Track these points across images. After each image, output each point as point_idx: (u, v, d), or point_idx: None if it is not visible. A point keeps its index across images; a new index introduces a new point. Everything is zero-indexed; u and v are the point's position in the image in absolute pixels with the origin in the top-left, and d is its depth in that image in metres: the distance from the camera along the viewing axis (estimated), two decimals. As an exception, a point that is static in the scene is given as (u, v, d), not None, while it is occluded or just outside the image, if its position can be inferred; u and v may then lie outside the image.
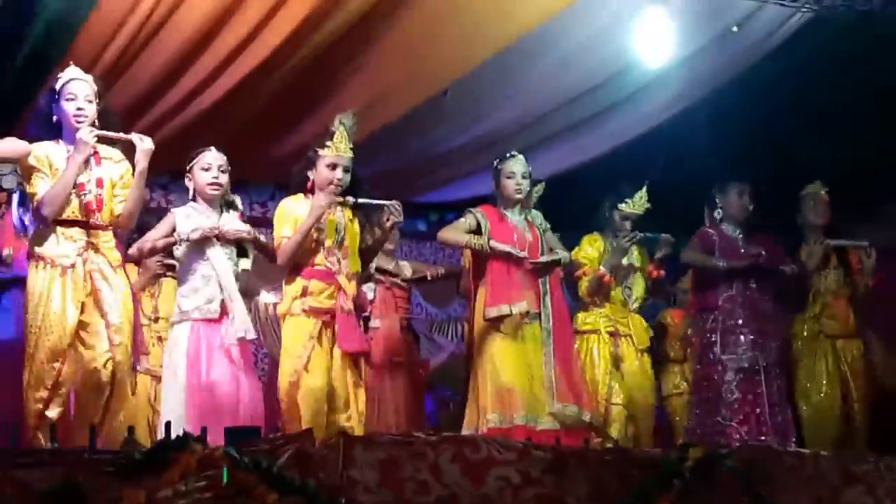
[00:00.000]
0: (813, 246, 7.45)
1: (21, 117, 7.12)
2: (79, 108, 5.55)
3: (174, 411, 5.64)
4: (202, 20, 6.78)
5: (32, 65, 6.98)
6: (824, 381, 7.39)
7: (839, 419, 7.37)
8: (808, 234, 7.51)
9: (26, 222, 6.88)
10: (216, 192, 5.96)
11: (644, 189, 7.02)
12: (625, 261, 7.07)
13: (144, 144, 5.57)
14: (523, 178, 6.49)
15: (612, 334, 7.00)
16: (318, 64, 7.28)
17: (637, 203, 7.04)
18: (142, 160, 5.57)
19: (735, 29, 7.24)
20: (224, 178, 5.97)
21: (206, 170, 5.93)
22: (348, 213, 6.12)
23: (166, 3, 6.58)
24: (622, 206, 7.04)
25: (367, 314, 6.83)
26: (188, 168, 6.01)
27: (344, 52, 7.21)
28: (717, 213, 7.28)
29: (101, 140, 5.60)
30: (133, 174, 5.64)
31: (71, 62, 5.84)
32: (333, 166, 5.97)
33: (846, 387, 7.40)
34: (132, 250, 6.01)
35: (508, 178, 6.50)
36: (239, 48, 7.07)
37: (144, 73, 7.26)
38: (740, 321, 7.10)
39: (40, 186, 5.49)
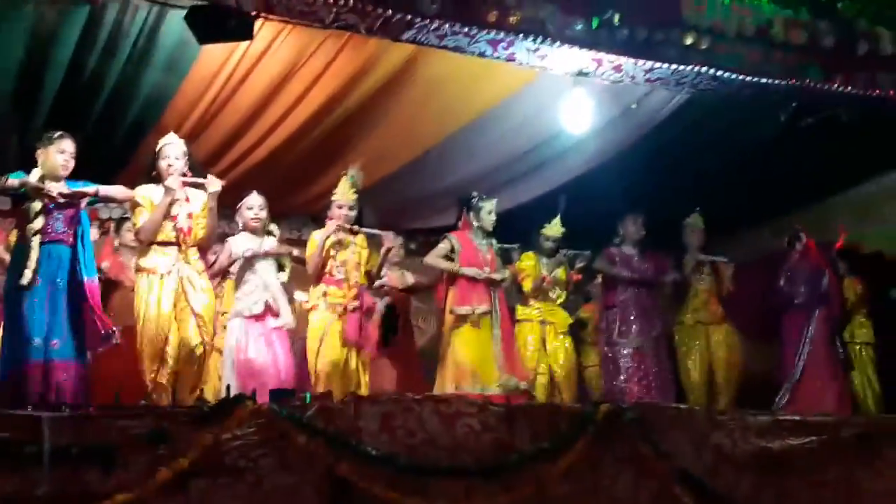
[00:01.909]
0: (685, 260, 7.49)
1: (126, 168, 7.08)
2: (169, 164, 5.54)
3: (229, 379, 5.63)
4: (257, 96, 6.74)
5: (133, 130, 6.94)
6: (696, 360, 7.38)
7: (709, 384, 7.37)
8: (689, 250, 7.53)
9: (118, 244, 6.84)
10: (257, 225, 6.04)
11: (558, 218, 7.12)
12: (557, 274, 7.09)
13: (213, 188, 5.56)
14: (494, 214, 6.57)
15: (541, 322, 7.01)
16: (339, 129, 7.23)
17: (553, 228, 7.10)
18: (211, 200, 5.56)
19: (634, 106, 7.20)
20: (263, 214, 6.02)
21: (250, 209, 5.99)
22: (358, 238, 6.16)
23: (231, 85, 6.54)
24: (543, 230, 7.09)
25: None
26: (238, 207, 6.05)
27: (356, 122, 7.16)
28: (620, 237, 7.36)
29: (187, 185, 5.60)
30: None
31: (164, 129, 5.89)
32: (341, 206, 6.02)
33: (715, 360, 7.40)
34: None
35: (487, 213, 6.55)
36: (283, 116, 7.02)
37: (216, 134, 7.19)
38: (632, 315, 7.15)
39: (140, 218, 5.48)
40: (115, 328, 5.26)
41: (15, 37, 5.83)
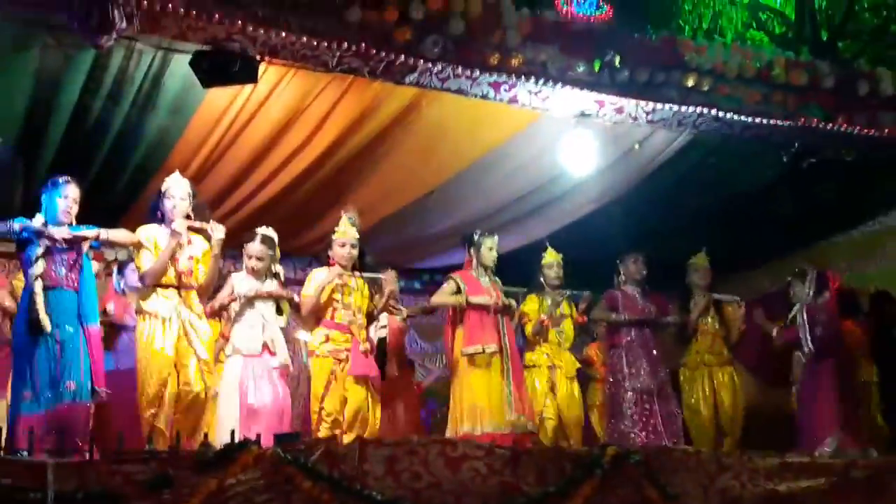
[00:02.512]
0: (698, 298, 7.47)
1: (131, 211, 7.09)
2: (174, 205, 5.57)
3: (229, 416, 5.58)
4: (262, 139, 6.75)
5: (139, 173, 6.96)
6: (701, 402, 7.34)
7: (714, 426, 7.32)
8: (694, 290, 7.52)
9: (122, 286, 6.82)
10: (256, 273, 5.99)
11: (548, 248, 7.15)
12: (557, 311, 7.08)
13: (217, 234, 5.59)
14: (495, 251, 6.57)
15: (549, 367, 6.98)
16: (343, 171, 7.24)
17: (550, 254, 7.17)
18: (215, 246, 5.58)
19: (637, 147, 7.20)
20: (259, 265, 5.96)
21: (250, 258, 5.97)
22: (359, 281, 6.15)
23: (235, 127, 6.55)
24: (543, 260, 7.18)
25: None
26: (242, 249, 6.05)
27: (361, 163, 7.17)
28: (622, 278, 7.34)
29: (191, 229, 5.61)
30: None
31: (169, 171, 5.90)
32: (342, 244, 6.02)
33: (720, 402, 7.36)
34: (206, 309, 5.98)
35: (488, 249, 6.54)
36: (288, 158, 7.03)
37: (221, 176, 7.20)
38: (637, 356, 7.12)
39: (144, 261, 5.50)
40: (103, 389, 5.23)
41: (20, 82, 5.85)
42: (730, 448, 6.88)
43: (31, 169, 6.42)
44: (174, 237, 5.50)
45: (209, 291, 5.85)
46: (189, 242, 5.63)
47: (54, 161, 6.55)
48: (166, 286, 5.53)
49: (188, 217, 5.63)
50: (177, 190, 5.67)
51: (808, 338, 7.20)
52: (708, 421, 7.29)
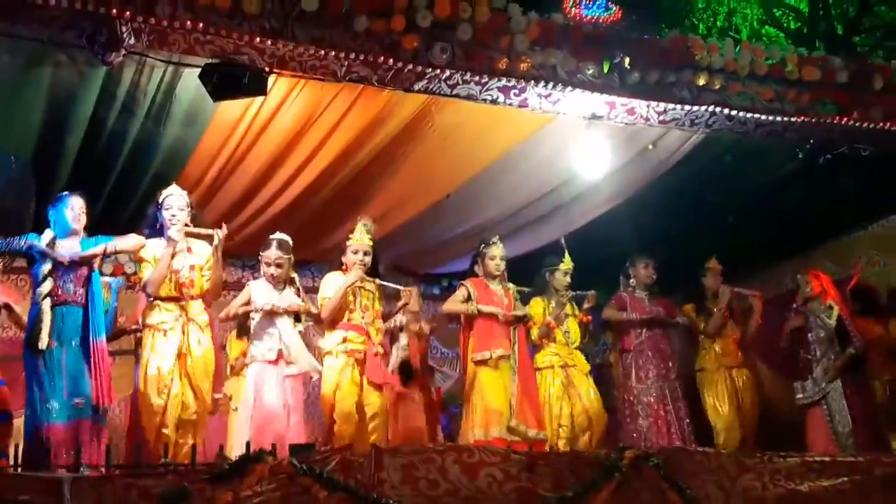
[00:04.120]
0: (721, 291, 7.42)
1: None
2: (172, 215, 5.59)
3: (243, 424, 5.60)
4: (275, 149, 6.77)
5: (155, 184, 6.95)
6: (725, 401, 7.31)
7: (738, 427, 7.27)
8: (709, 293, 7.49)
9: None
10: (274, 280, 5.99)
11: (566, 254, 7.04)
12: (561, 312, 7.03)
13: (218, 234, 5.61)
14: (501, 259, 6.51)
15: (562, 367, 6.93)
16: (356, 179, 7.25)
17: (567, 263, 7.04)
18: (216, 251, 5.61)
19: (651, 147, 7.15)
20: (277, 271, 5.96)
21: (268, 265, 5.96)
22: (374, 285, 6.16)
23: (248, 138, 6.58)
24: (561, 265, 7.04)
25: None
26: (259, 256, 6.05)
27: (374, 171, 7.18)
28: (631, 281, 7.32)
29: (191, 235, 5.63)
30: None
31: (185, 181, 5.93)
32: (356, 251, 6.01)
33: (739, 403, 7.32)
34: (222, 314, 6.01)
35: (490, 259, 6.51)
36: (301, 167, 7.05)
37: (236, 186, 7.24)
38: (648, 359, 7.10)
39: (146, 272, 5.53)
40: (106, 405, 5.27)
41: (33, 99, 5.90)
42: (751, 447, 6.81)
43: (48, 185, 6.45)
44: (170, 244, 5.55)
45: (217, 295, 5.90)
46: (189, 251, 5.66)
47: (71, 175, 6.60)
48: (167, 299, 5.56)
49: (186, 226, 5.66)
50: (175, 200, 5.73)
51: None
52: (732, 420, 7.26)
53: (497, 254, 6.54)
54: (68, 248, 5.35)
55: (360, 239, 6.19)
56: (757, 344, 7.73)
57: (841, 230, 8.68)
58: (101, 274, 5.79)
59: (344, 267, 6.18)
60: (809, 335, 7.36)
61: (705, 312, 7.53)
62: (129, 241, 5.63)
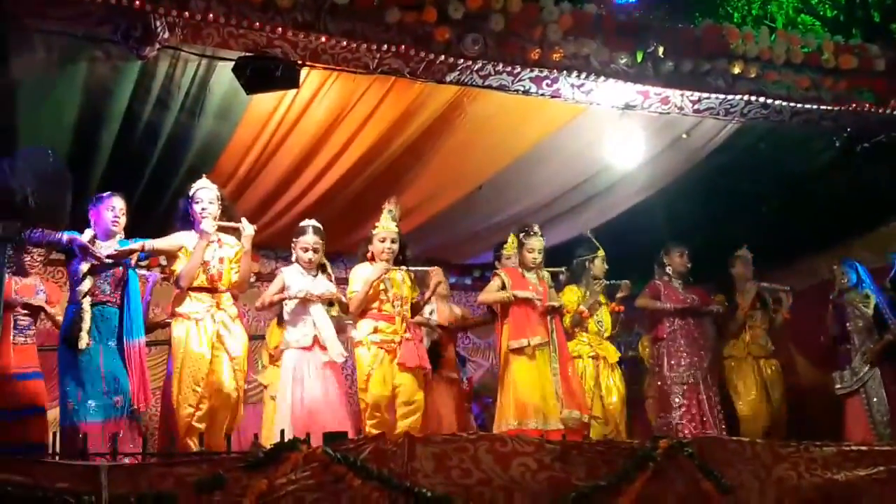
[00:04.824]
0: (747, 288, 7.39)
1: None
2: (203, 209, 5.64)
3: (285, 413, 5.62)
4: (308, 140, 6.82)
5: (190, 176, 7.00)
6: (753, 389, 7.28)
7: (765, 415, 7.23)
8: (738, 283, 7.45)
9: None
10: (311, 265, 5.98)
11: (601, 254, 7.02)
12: (594, 301, 7.00)
13: (247, 231, 5.66)
14: (539, 252, 6.48)
15: (593, 357, 6.92)
16: (389, 170, 7.28)
17: (599, 267, 7.04)
18: (246, 243, 5.66)
19: (685, 136, 7.11)
20: (314, 256, 5.99)
21: (305, 250, 5.98)
22: (404, 274, 6.16)
23: (282, 130, 6.63)
24: (593, 270, 7.02)
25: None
26: (293, 243, 6.07)
27: (406, 162, 7.21)
28: (668, 269, 7.29)
29: (221, 229, 5.68)
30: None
31: (219, 174, 5.96)
32: (383, 239, 6.01)
33: (767, 392, 7.28)
34: (257, 303, 6.05)
35: (529, 252, 6.48)
36: (334, 159, 7.09)
37: (269, 179, 7.30)
38: (681, 347, 7.07)
39: (179, 265, 5.58)
40: (138, 406, 5.34)
41: (70, 94, 5.96)
42: (783, 436, 6.77)
43: (84, 179, 6.52)
44: (203, 237, 5.59)
45: (245, 288, 5.94)
46: (220, 244, 5.70)
47: (107, 169, 6.68)
48: (199, 289, 5.61)
49: (216, 219, 5.71)
50: (205, 194, 5.78)
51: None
52: (758, 406, 7.23)
53: (536, 246, 6.47)
54: (107, 248, 5.41)
55: (385, 226, 6.16)
56: (794, 334, 7.66)
57: (878, 220, 8.58)
58: (139, 267, 5.84)
59: (371, 255, 6.18)
60: (848, 325, 7.33)
61: (734, 304, 7.49)
62: (165, 241, 5.69)
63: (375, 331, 5.98)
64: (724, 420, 7.02)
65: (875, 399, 7.11)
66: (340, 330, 6.27)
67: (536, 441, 4.73)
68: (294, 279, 5.98)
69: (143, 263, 5.85)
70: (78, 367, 5.22)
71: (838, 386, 7.28)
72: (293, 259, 6.11)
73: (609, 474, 4.64)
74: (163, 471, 3.96)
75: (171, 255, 5.72)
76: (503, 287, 6.40)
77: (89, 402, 5.17)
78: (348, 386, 6.46)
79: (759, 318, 7.45)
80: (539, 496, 4.46)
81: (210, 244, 5.67)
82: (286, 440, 4.28)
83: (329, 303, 6.03)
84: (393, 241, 6.11)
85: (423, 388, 6.03)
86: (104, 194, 5.56)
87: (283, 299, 5.94)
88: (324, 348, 5.83)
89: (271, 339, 6.76)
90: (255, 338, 7.22)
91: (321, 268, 6.11)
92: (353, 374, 6.35)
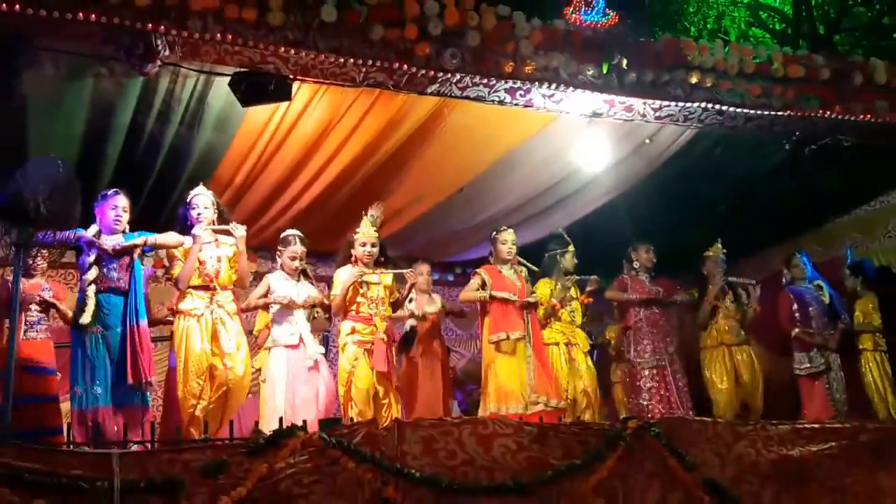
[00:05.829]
0: (714, 282, 7.43)
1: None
2: (199, 213, 5.63)
3: (277, 409, 5.60)
4: (299, 150, 6.82)
5: (190, 185, 6.99)
6: (724, 377, 7.29)
7: (736, 400, 7.27)
8: (710, 279, 7.47)
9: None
10: (295, 271, 6.04)
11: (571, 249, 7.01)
12: (566, 294, 7.01)
13: (238, 232, 5.66)
14: (512, 244, 6.51)
15: (567, 344, 6.95)
16: (375, 176, 7.27)
17: (569, 260, 7.01)
18: (239, 243, 5.65)
19: (648, 141, 7.15)
20: (301, 264, 6.06)
21: (293, 259, 5.99)
22: (382, 275, 6.17)
23: (275, 141, 6.63)
24: (563, 264, 7.00)
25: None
26: (279, 251, 6.07)
27: (391, 168, 7.21)
28: (635, 264, 7.33)
29: (215, 231, 5.67)
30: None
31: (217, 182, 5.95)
32: (363, 243, 6.03)
33: (739, 378, 7.31)
34: (243, 305, 6.03)
35: (502, 244, 6.51)
36: (324, 166, 7.08)
37: (264, 186, 7.29)
38: (645, 335, 7.12)
39: (177, 269, 5.58)
40: (149, 379, 5.29)
41: (77, 109, 5.94)
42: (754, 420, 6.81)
43: (91, 189, 6.47)
44: (196, 241, 5.58)
45: (246, 284, 5.95)
46: (217, 244, 5.70)
47: (112, 180, 6.63)
48: (198, 287, 5.61)
49: (212, 223, 5.71)
50: (201, 200, 5.76)
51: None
52: (730, 394, 7.22)
53: (508, 238, 6.53)
54: (112, 241, 5.40)
55: (365, 231, 6.18)
56: (755, 329, 7.70)
57: (826, 216, 8.69)
58: (143, 258, 5.83)
59: (354, 259, 6.18)
60: (811, 309, 7.39)
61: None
62: (168, 237, 5.66)
63: (353, 331, 6.00)
64: (690, 400, 7.06)
65: (836, 379, 7.28)
66: (317, 328, 6.30)
67: (516, 424, 4.75)
68: (279, 284, 5.99)
69: (148, 254, 5.83)
70: (86, 352, 5.20)
71: (807, 366, 7.33)
72: (279, 265, 6.13)
73: (583, 453, 4.68)
74: (170, 457, 3.96)
75: (172, 256, 5.70)
76: (483, 285, 6.43)
77: (96, 389, 5.14)
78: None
79: (734, 309, 7.44)
80: (518, 474, 4.49)
81: (207, 244, 5.65)
82: (285, 427, 4.28)
83: (312, 305, 6.05)
84: (373, 246, 6.14)
85: (393, 392, 6.03)
86: (108, 192, 5.52)
87: (268, 304, 5.96)
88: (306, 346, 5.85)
89: (258, 322, 6.71)
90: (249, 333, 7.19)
91: (303, 273, 6.13)
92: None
